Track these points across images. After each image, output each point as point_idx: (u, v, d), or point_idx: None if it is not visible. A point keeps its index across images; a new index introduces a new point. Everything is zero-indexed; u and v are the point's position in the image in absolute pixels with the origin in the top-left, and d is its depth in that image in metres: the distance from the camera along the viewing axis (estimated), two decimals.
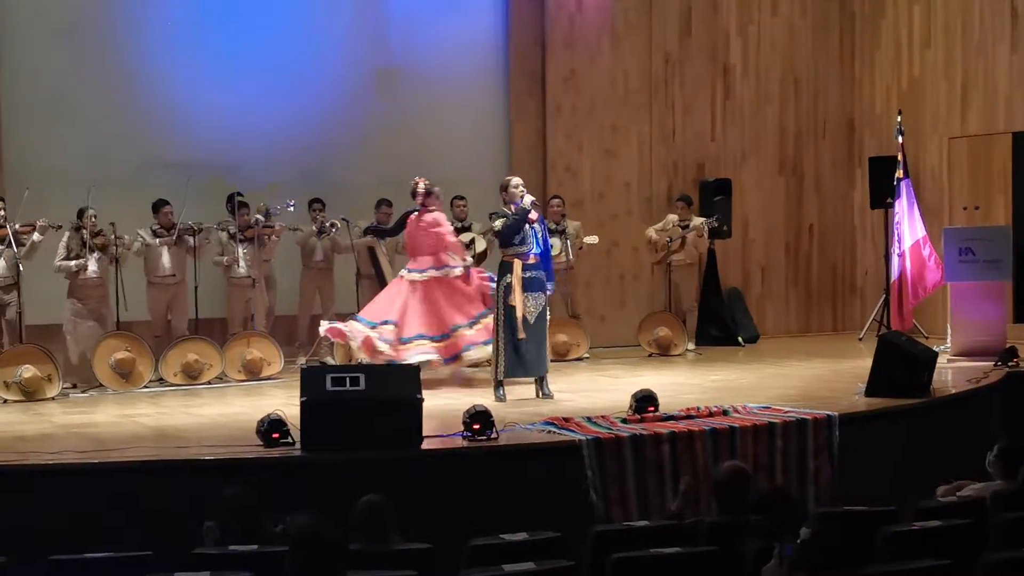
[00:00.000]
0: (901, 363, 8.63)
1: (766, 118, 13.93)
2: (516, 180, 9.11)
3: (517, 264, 8.90)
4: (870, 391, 8.60)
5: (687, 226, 12.31)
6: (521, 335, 8.84)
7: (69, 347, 10.15)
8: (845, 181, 14.22)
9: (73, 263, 10.10)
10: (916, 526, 5.28)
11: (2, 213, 9.94)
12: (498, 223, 9.00)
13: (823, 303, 14.26)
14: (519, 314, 8.84)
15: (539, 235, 9.06)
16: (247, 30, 12.01)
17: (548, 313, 9.30)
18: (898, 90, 13.70)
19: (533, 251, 8.99)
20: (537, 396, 8.98)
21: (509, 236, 8.94)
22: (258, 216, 10.88)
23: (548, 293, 9.20)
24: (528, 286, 8.93)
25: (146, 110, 11.66)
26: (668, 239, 12.27)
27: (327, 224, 11.26)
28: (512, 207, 8.99)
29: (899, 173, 12.25)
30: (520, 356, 8.91)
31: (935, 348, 9.37)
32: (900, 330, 10.94)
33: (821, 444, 7.65)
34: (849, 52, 14.20)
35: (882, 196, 12.74)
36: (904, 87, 13.65)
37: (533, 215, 9.00)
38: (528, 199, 8.95)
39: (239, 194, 11.16)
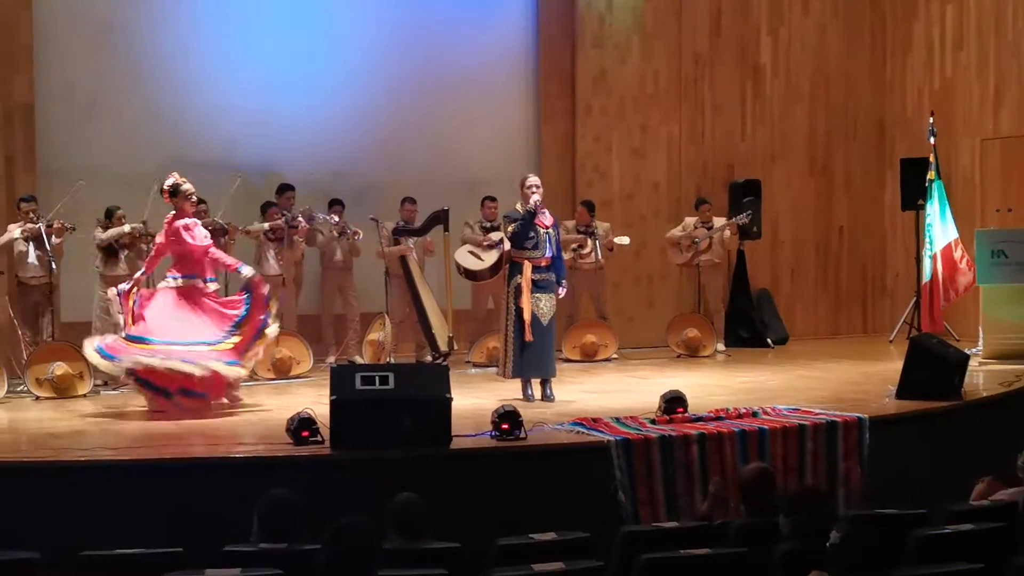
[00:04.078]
0: (932, 365, 8.58)
1: (796, 119, 13.87)
2: (531, 180, 9.01)
3: (527, 266, 8.88)
4: (901, 393, 8.55)
5: (711, 227, 12.28)
6: (528, 337, 8.83)
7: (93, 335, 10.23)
8: (876, 182, 14.14)
9: (107, 235, 10.15)
10: (948, 529, 5.25)
11: (33, 214, 10.01)
12: (511, 228, 9.00)
13: (853, 305, 14.19)
14: (526, 316, 8.82)
15: (552, 238, 8.97)
16: (279, 33, 12.07)
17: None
18: (930, 91, 13.61)
19: (545, 254, 8.94)
20: (536, 397, 8.92)
21: (520, 240, 8.93)
22: (300, 219, 10.95)
23: (560, 293, 9.06)
24: (540, 287, 8.90)
25: (178, 110, 11.74)
26: (694, 240, 12.24)
27: (349, 231, 11.27)
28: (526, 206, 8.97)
29: (931, 175, 12.17)
30: (528, 357, 8.89)
31: (967, 351, 9.31)
32: (931, 332, 10.87)
33: (851, 446, 7.62)
34: (880, 53, 14.13)
35: (913, 198, 12.65)
36: (936, 88, 13.56)
37: (546, 220, 8.96)
38: (533, 199, 8.88)
39: (289, 187, 11.24)
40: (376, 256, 11.18)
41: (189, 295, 8.76)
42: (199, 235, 8.87)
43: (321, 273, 11.61)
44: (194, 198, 8.93)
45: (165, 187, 8.86)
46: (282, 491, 5.32)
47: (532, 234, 8.87)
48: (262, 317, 8.83)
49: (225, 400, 8.82)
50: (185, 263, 8.81)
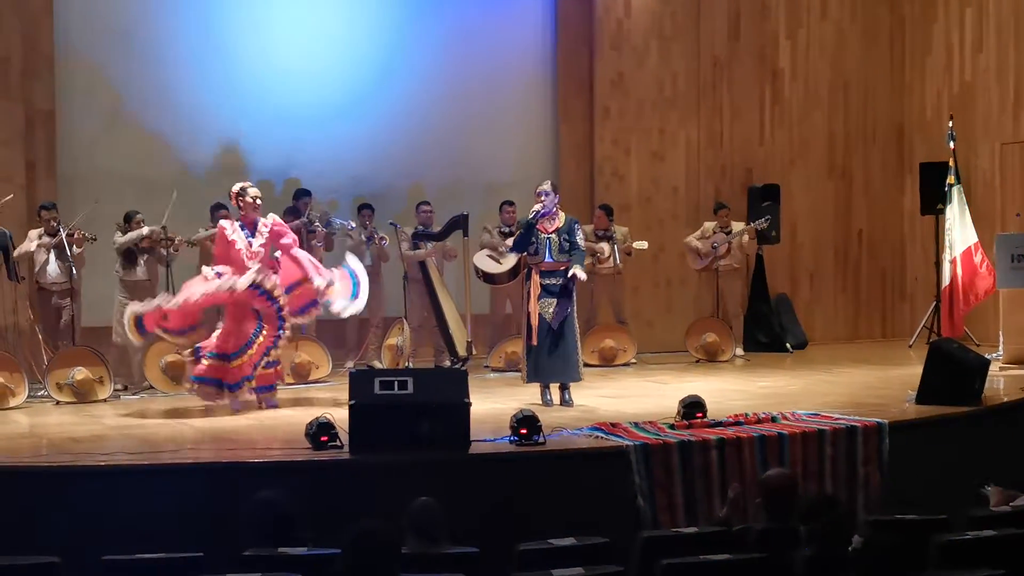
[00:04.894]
0: (952, 370, 8.54)
1: (815, 123, 13.84)
2: (541, 187, 9.04)
3: (535, 272, 8.94)
4: (920, 398, 8.52)
5: (729, 231, 12.26)
6: (533, 342, 8.85)
7: (114, 339, 10.28)
8: (895, 187, 14.10)
9: (125, 239, 10.21)
10: (969, 535, 5.22)
11: (54, 221, 10.04)
12: (516, 234, 9.10)
13: (872, 309, 14.15)
14: (533, 321, 8.85)
15: (554, 244, 8.94)
16: (298, 36, 12.11)
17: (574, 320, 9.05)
18: (949, 95, 13.57)
19: (544, 259, 8.94)
20: (555, 402, 8.92)
21: (521, 247, 9.00)
22: (317, 224, 10.98)
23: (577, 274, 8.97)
24: (551, 292, 8.90)
25: (198, 115, 11.79)
26: (714, 244, 12.22)
27: (376, 236, 11.29)
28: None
29: (950, 179, 12.13)
30: (538, 362, 8.90)
31: (987, 355, 9.27)
32: (951, 337, 10.83)
33: (871, 452, 7.59)
34: (899, 56, 14.09)
35: (933, 202, 12.62)
36: (955, 92, 13.51)
37: (550, 225, 8.96)
38: (534, 208, 8.92)
39: (307, 192, 11.26)
40: (399, 259, 11.23)
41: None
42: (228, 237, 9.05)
43: None
44: (258, 202, 9.04)
45: (233, 191, 9.05)
46: (271, 493, 5.34)
47: (533, 240, 8.93)
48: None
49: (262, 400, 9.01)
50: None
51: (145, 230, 10.23)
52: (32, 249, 10.02)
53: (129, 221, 10.35)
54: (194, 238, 10.68)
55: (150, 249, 10.36)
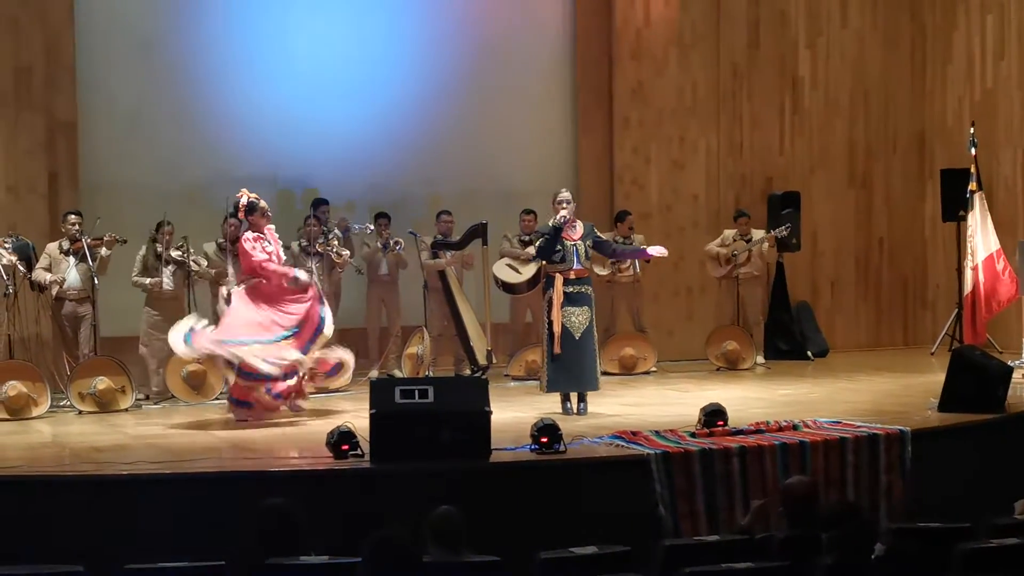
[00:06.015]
0: (975, 378, 8.51)
1: (835, 131, 13.81)
2: (561, 195, 9.05)
3: (558, 279, 8.93)
4: (943, 406, 8.48)
5: (750, 239, 12.23)
6: (557, 350, 8.84)
7: (146, 358, 10.30)
8: (915, 194, 14.05)
9: (148, 281, 10.23)
10: (993, 543, 5.19)
11: (77, 227, 10.10)
12: (538, 242, 9.11)
13: (894, 317, 14.09)
14: (556, 329, 8.84)
15: (580, 251, 8.97)
16: (318, 47, 12.15)
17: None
18: (970, 102, 13.51)
19: (572, 267, 8.96)
20: (574, 411, 8.90)
21: (546, 254, 8.99)
22: (337, 231, 10.99)
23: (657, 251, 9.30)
24: (573, 301, 8.91)
25: (219, 125, 11.84)
26: (733, 253, 12.20)
27: (391, 241, 11.32)
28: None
29: (972, 185, 12.08)
30: (560, 371, 8.90)
31: (1010, 363, 9.22)
32: (973, 344, 10.78)
33: (893, 459, 7.56)
34: (920, 64, 14.04)
35: (954, 209, 12.57)
36: (977, 99, 13.45)
37: (574, 233, 8.98)
38: (560, 214, 8.92)
39: (324, 201, 11.28)
40: (419, 268, 11.24)
41: (255, 292, 8.95)
42: (257, 250, 8.99)
43: (367, 286, 11.64)
44: (269, 213, 9.08)
45: (241, 205, 9.02)
46: (278, 500, 5.35)
47: (559, 248, 8.94)
48: (320, 317, 8.98)
49: (288, 408, 8.96)
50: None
51: (148, 281, 10.21)
52: (47, 280, 9.99)
53: (159, 230, 10.31)
54: (205, 267, 10.54)
55: (180, 263, 10.34)
